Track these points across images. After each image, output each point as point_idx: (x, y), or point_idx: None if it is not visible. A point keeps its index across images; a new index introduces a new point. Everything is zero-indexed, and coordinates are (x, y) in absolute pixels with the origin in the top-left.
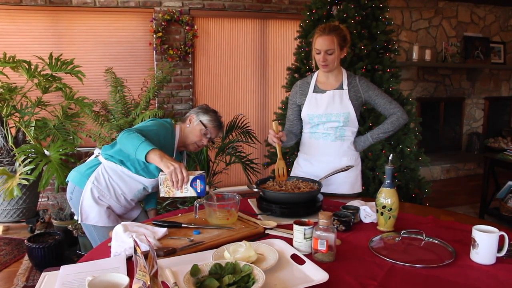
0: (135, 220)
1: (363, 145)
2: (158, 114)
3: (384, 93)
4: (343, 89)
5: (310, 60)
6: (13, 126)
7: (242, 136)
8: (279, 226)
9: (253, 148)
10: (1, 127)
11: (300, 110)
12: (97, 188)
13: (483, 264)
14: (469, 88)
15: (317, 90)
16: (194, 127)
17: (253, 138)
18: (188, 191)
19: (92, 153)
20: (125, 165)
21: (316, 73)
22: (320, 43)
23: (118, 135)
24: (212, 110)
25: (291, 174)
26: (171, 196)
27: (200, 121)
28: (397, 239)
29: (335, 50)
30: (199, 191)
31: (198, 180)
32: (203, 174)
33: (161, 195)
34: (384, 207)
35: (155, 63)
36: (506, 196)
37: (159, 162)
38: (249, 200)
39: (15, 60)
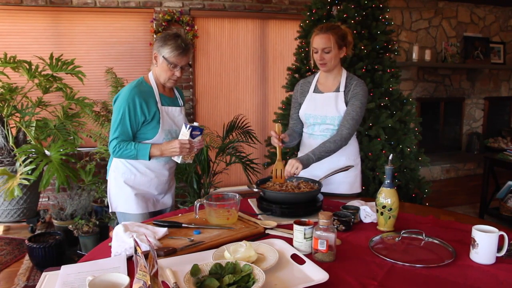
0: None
1: (307, 163)
2: None
3: (358, 109)
4: (339, 91)
5: (310, 60)
6: (14, 126)
7: (242, 136)
8: (279, 226)
9: (253, 148)
10: (1, 127)
11: None
12: (121, 175)
13: (483, 264)
14: (469, 88)
15: (316, 90)
16: (161, 65)
17: (253, 138)
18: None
19: None
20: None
21: (318, 73)
22: (317, 41)
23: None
24: (171, 35)
25: None
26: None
27: (163, 57)
28: (397, 239)
29: (332, 49)
30: (199, 133)
31: (194, 132)
32: (190, 125)
33: (180, 161)
34: (384, 207)
35: None
36: (506, 196)
37: (163, 155)
38: (249, 200)
39: (16, 60)
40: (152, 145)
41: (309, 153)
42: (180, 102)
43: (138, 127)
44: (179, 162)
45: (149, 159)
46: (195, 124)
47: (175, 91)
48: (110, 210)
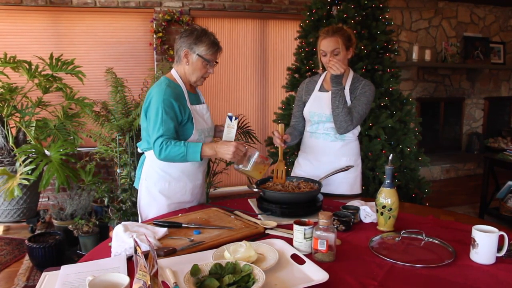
0: None
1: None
2: None
3: (363, 105)
4: (344, 89)
5: (310, 60)
6: (14, 126)
7: (242, 136)
8: (279, 226)
9: (253, 148)
10: (1, 127)
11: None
12: (154, 184)
13: (482, 264)
14: (469, 88)
15: (322, 89)
16: (194, 64)
17: (253, 138)
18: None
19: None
20: None
21: (325, 73)
22: (325, 44)
23: (159, 149)
24: (201, 32)
25: (292, 174)
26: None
27: (198, 55)
28: (397, 239)
29: (341, 50)
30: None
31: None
32: (234, 116)
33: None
34: (384, 207)
35: (156, 63)
36: (506, 196)
37: (216, 155)
38: (249, 200)
39: (16, 60)
40: (204, 144)
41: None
42: (202, 99)
43: (177, 127)
44: (237, 167)
45: (201, 159)
46: (230, 114)
47: (196, 88)
48: (140, 221)
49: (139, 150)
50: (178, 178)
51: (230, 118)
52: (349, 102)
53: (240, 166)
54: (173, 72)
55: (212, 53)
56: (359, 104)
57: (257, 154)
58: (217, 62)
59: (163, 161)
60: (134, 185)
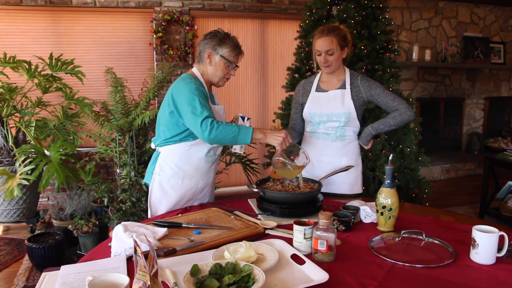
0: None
1: (366, 137)
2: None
3: (387, 90)
4: (345, 88)
5: (310, 60)
6: (13, 126)
7: None
8: (279, 226)
9: (253, 148)
10: (1, 127)
11: (303, 109)
12: (168, 179)
13: (483, 264)
14: (469, 88)
15: (319, 89)
16: (217, 64)
17: None
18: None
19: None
20: (182, 139)
21: (320, 73)
22: (320, 44)
23: (210, 130)
24: (225, 35)
25: None
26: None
27: (221, 56)
28: (397, 239)
29: (335, 51)
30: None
31: (244, 120)
32: (243, 116)
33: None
34: (384, 207)
35: (155, 63)
36: (506, 196)
37: (265, 139)
38: (249, 200)
39: (15, 60)
40: (255, 128)
41: (368, 127)
42: (217, 100)
43: None
44: (238, 151)
45: (250, 142)
46: (242, 114)
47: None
48: (149, 216)
49: (152, 146)
50: (191, 176)
51: (243, 118)
52: (351, 100)
53: (281, 158)
54: (195, 70)
55: (234, 55)
56: (384, 95)
57: (307, 153)
58: (237, 66)
59: (209, 141)
60: (144, 181)
